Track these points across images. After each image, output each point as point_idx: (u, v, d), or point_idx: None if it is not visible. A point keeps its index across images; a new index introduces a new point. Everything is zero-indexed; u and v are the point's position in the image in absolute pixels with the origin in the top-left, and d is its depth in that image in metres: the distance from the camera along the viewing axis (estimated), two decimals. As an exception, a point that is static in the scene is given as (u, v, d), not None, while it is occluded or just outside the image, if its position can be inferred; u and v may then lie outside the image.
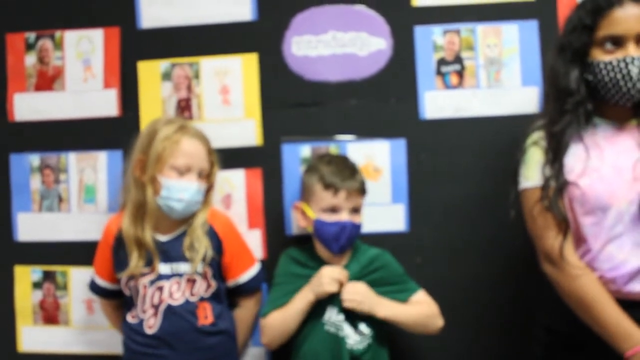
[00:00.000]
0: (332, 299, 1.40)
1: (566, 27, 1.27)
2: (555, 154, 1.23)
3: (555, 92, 1.26)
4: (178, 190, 1.38)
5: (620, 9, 1.18)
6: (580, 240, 1.24)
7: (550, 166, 1.23)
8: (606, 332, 1.17)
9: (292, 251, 1.51)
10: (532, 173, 1.26)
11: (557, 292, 1.25)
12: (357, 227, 1.41)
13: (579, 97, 1.22)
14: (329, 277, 1.38)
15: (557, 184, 1.22)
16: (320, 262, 1.45)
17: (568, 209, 1.24)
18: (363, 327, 1.40)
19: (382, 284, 1.43)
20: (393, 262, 1.49)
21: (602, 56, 1.20)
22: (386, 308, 1.39)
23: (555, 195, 1.22)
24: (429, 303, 1.45)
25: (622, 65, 1.17)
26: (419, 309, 1.43)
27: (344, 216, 1.39)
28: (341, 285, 1.39)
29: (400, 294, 1.44)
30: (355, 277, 1.42)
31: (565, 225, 1.22)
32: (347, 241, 1.40)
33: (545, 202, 1.22)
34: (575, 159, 1.23)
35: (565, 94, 1.24)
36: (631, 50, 1.17)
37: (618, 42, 1.19)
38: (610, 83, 1.20)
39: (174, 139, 1.40)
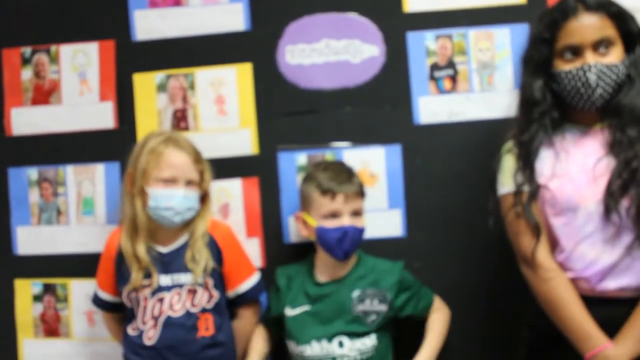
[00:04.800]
0: (317, 335, 1.40)
1: (528, 40, 1.32)
2: (525, 162, 1.27)
3: (522, 102, 1.31)
4: (165, 199, 1.39)
5: (575, 20, 1.22)
6: (554, 242, 1.28)
7: (522, 173, 1.27)
8: (570, 332, 1.22)
9: (280, 274, 1.51)
10: (507, 179, 1.31)
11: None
12: (359, 230, 1.41)
13: (544, 107, 1.27)
14: None
15: (529, 189, 1.26)
16: (309, 283, 1.46)
17: (541, 212, 1.27)
18: (365, 340, 1.40)
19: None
20: (407, 274, 1.50)
21: (562, 66, 1.24)
22: None
23: (528, 201, 1.26)
24: (444, 311, 1.50)
25: (581, 73, 1.21)
26: (442, 327, 1.48)
27: (345, 221, 1.39)
28: None
29: (418, 302, 1.47)
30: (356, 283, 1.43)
31: (539, 229, 1.25)
32: (351, 246, 1.39)
33: (518, 208, 1.27)
34: (544, 163, 1.27)
35: (531, 103, 1.28)
36: (589, 58, 1.21)
37: (576, 51, 1.23)
38: (572, 91, 1.24)
39: (157, 151, 1.41)
